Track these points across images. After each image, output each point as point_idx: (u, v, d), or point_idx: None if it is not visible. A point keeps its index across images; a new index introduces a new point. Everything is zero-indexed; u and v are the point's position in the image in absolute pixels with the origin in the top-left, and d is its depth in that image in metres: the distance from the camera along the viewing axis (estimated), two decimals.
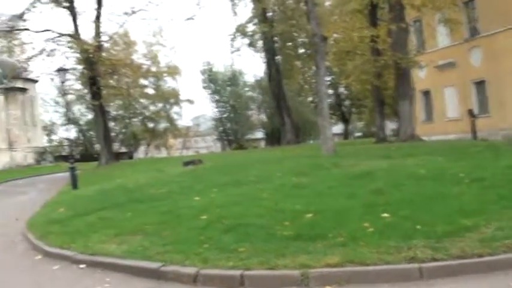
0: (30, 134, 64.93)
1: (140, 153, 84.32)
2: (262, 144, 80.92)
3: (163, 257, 8.43)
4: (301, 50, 53.47)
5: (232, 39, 47.91)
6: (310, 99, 70.68)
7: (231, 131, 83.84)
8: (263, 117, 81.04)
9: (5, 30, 39.72)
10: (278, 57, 50.67)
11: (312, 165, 16.67)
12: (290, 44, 52.45)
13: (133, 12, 38.42)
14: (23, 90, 63.37)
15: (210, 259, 7.89)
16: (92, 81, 39.56)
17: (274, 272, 7.20)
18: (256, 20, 47.31)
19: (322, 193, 11.72)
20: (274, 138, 63.81)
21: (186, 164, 24.34)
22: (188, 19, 39.92)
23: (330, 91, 61.98)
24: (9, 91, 60.00)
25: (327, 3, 42.70)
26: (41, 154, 65.91)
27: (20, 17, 38.11)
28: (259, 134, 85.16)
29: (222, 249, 8.23)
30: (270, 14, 47.55)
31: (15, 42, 44.90)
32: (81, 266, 9.38)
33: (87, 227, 11.82)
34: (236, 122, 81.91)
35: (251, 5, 46.36)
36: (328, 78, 48.21)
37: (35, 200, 21.68)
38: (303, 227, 8.88)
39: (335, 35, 37.37)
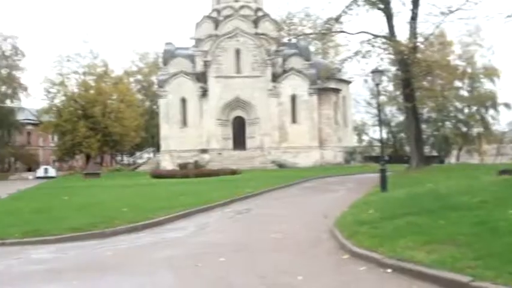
0: (341, 133, 67.04)
1: (451, 157, 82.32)
2: None
3: (474, 271, 7.94)
4: None
5: None
6: None
7: None
8: None
9: (321, 33, 41.23)
10: None
11: None
12: None
13: (451, 12, 37.20)
14: (336, 90, 65.67)
15: None
16: (405, 83, 39.31)
17: None
18: None
19: None
20: None
21: (502, 172, 22.84)
22: (508, 17, 37.54)
23: None
24: (322, 91, 62.56)
25: None
26: (351, 154, 67.61)
27: (337, 19, 39.18)
28: None
29: None
30: None
31: (330, 44, 46.52)
32: (388, 270, 9.29)
33: (395, 231, 11.57)
34: None
35: None
36: None
37: (343, 199, 22.08)
38: None
39: None
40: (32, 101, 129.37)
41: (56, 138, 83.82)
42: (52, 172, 72.89)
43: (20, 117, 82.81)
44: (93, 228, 15.28)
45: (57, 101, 76.54)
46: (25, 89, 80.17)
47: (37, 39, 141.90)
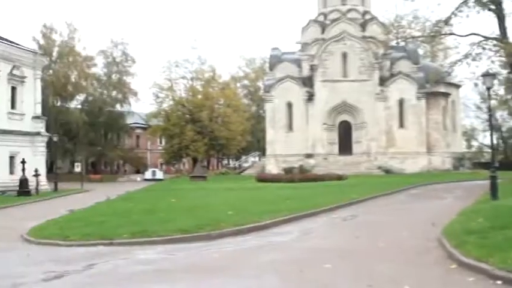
0: (450, 138, 65.29)
1: None
2: None
3: None
4: None
5: None
6: None
7: None
8: None
9: (430, 36, 40.34)
10: None
11: None
12: None
13: None
14: (445, 95, 64.17)
15: None
16: None
17: None
18: None
19: None
20: None
21: None
22: None
23: None
24: (431, 95, 61.27)
25: None
26: (459, 160, 65.70)
27: (446, 22, 38.26)
28: None
29: None
30: None
31: (439, 47, 45.42)
32: (498, 282, 8.99)
33: (506, 241, 11.16)
34: None
35: None
36: None
37: (451, 207, 21.55)
38: None
39: None
40: (141, 105, 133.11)
41: (163, 141, 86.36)
42: (160, 175, 74.77)
43: (130, 121, 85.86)
44: (199, 231, 15.55)
45: (165, 106, 79.02)
46: (135, 93, 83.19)
47: (146, 45, 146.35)
